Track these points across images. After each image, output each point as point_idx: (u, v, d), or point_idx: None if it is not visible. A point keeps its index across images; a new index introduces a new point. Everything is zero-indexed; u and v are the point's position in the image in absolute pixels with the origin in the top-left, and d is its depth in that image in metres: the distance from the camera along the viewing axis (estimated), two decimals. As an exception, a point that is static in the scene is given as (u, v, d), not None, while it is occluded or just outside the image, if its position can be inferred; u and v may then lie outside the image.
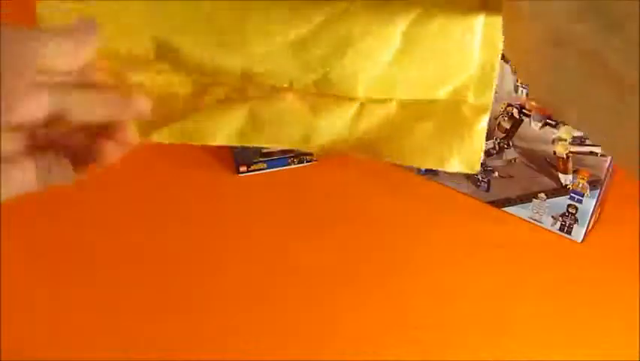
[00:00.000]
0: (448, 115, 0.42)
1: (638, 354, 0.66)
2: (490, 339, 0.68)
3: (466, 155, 0.42)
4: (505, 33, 0.38)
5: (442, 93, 0.41)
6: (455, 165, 0.41)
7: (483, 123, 0.41)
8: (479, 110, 0.41)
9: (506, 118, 0.75)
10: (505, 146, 0.77)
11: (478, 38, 0.40)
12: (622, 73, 0.29)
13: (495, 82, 0.41)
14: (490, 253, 0.77)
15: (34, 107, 0.34)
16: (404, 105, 0.42)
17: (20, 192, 0.39)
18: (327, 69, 0.40)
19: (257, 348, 0.66)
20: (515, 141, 0.76)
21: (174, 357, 0.66)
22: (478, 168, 0.42)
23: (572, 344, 0.67)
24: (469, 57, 0.41)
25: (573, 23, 0.31)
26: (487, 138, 0.77)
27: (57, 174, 0.40)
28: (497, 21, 0.39)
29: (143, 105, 0.39)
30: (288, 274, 0.75)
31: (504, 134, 0.76)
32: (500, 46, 0.40)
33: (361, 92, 0.41)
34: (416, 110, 0.42)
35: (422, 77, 0.41)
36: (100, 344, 0.66)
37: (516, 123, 0.75)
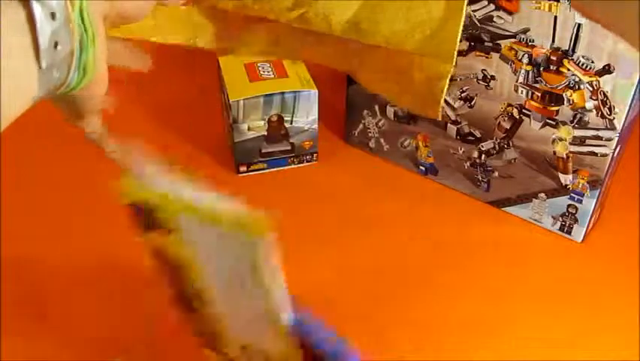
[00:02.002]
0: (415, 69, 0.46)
1: (638, 354, 0.66)
2: (490, 339, 0.68)
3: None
4: None
5: (409, 45, 0.44)
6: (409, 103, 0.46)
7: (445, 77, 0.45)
8: (443, 63, 0.45)
9: (506, 118, 0.75)
10: (505, 146, 0.77)
11: None
12: None
13: (458, 37, 0.44)
14: (490, 253, 0.77)
15: None
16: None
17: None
18: (305, 9, 0.46)
19: (257, 348, 0.66)
20: (515, 141, 0.76)
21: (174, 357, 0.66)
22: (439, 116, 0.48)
23: (572, 344, 0.67)
24: (434, 10, 0.44)
25: None
26: (487, 138, 0.78)
27: None
28: None
29: None
30: (288, 274, 0.74)
31: (504, 135, 0.76)
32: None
33: (340, 32, 0.46)
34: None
35: (389, 26, 0.44)
36: (100, 345, 0.66)
37: (516, 123, 0.75)
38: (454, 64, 0.46)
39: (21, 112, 0.39)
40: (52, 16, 0.37)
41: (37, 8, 0.36)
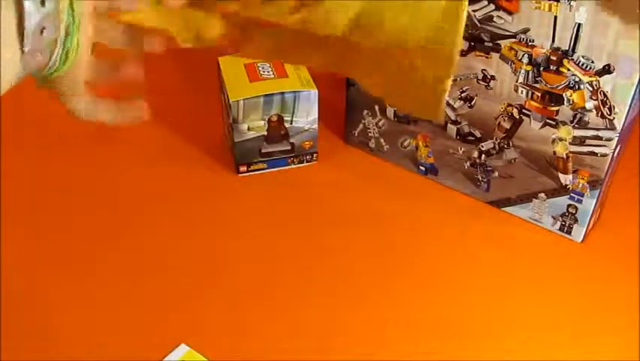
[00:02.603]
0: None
1: (638, 354, 0.66)
2: (490, 339, 0.68)
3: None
4: None
5: (411, 42, 0.44)
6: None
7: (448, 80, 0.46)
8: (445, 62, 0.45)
9: (506, 118, 0.75)
10: (505, 146, 0.77)
11: None
12: None
13: (460, 39, 0.44)
14: (490, 253, 0.77)
15: None
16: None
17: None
18: (307, 11, 0.45)
19: (256, 348, 0.66)
20: (515, 141, 0.76)
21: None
22: (441, 118, 0.48)
23: (572, 344, 0.67)
24: (435, 10, 0.44)
25: None
26: (487, 138, 0.77)
27: None
28: None
29: None
30: (288, 274, 0.75)
31: (504, 134, 0.76)
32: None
33: (341, 32, 0.46)
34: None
35: (394, 24, 0.45)
36: (100, 344, 0.66)
37: (516, 123, 0.75)
38: (455, 66, 0.46)
39: (5, 89, 0.40)
40: (42, 3, 0.38)
41: None
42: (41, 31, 0.39)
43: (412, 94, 0.49)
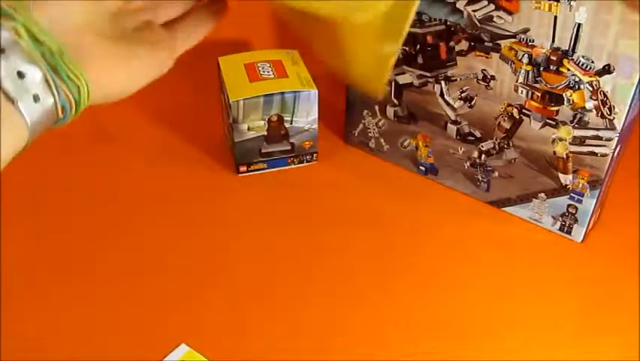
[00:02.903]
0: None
1: (638, 354, 0.66)
2: (490, 339, 0.68)
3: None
4: None
5: (358, 19, 0.45)
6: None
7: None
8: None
9: (506, 118, 0.75)
10: (505, 146, 0.77)
11: None
12: None
13: (410, 17, 0.45)
14: (490, 253, 0.77)
15: None
16: None
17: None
18: None
19: (256, 348, 0.66)
20: (515, 141, 0.76)
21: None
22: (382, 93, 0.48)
23: (572, 344, 0.67)
24: None
25: None
26: (487, 138, 0.78)
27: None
28: None
29: None
30: (288, 274, 0.75)
31: (504, 134, 0.76)
32: None
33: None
34: None
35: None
36: (100, 344, 0.66)
37: (516, 123, 0.75)
38: (401, 43, 0.47)
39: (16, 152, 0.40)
40: (20, 75, 0.36)
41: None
42: (35, 100, 0.38)
43: (359, 67, 0.49)
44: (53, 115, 0.40)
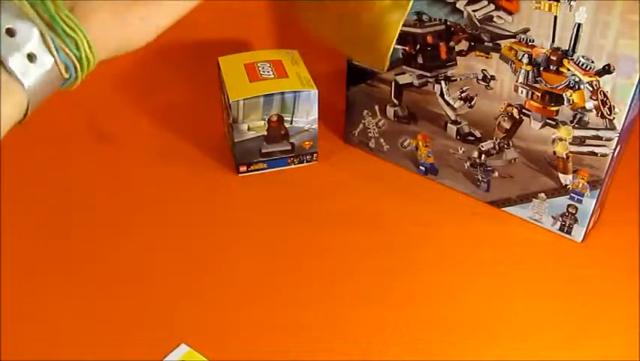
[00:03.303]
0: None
1: (638, 354, 0.66)
2: (490, 339, 0.68)
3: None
4: None
5: None
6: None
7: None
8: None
9: (506, 118, 0.75)
10: (505, 146, 0.77)
11: None
12: None
13: None
14: (490, 253, 0.77)
15: None
16: None
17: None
18: None
19: (256, 348, 0.66)
20: (515, 141, 0.76)
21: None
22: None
23: (572, 344, 0.67)
24: None
25: None
26: (487, 138, 0.77)
27: None
28: None
29: None
30: (288, 274, 0.75)
31: (504, 134, 0.76)
32: None
33: None
34: None
35: None
36: (100, 345, 0.66)
37: (516, 123, 0.75)
38: (407, 13, 0.47)
39: (17, 119, 0.37)
40: (9, 32, 0.34)
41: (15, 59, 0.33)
42: (31, 59, 0.35)
43: (360, 39, 0.49)
44: (57, 76, 0.37)
